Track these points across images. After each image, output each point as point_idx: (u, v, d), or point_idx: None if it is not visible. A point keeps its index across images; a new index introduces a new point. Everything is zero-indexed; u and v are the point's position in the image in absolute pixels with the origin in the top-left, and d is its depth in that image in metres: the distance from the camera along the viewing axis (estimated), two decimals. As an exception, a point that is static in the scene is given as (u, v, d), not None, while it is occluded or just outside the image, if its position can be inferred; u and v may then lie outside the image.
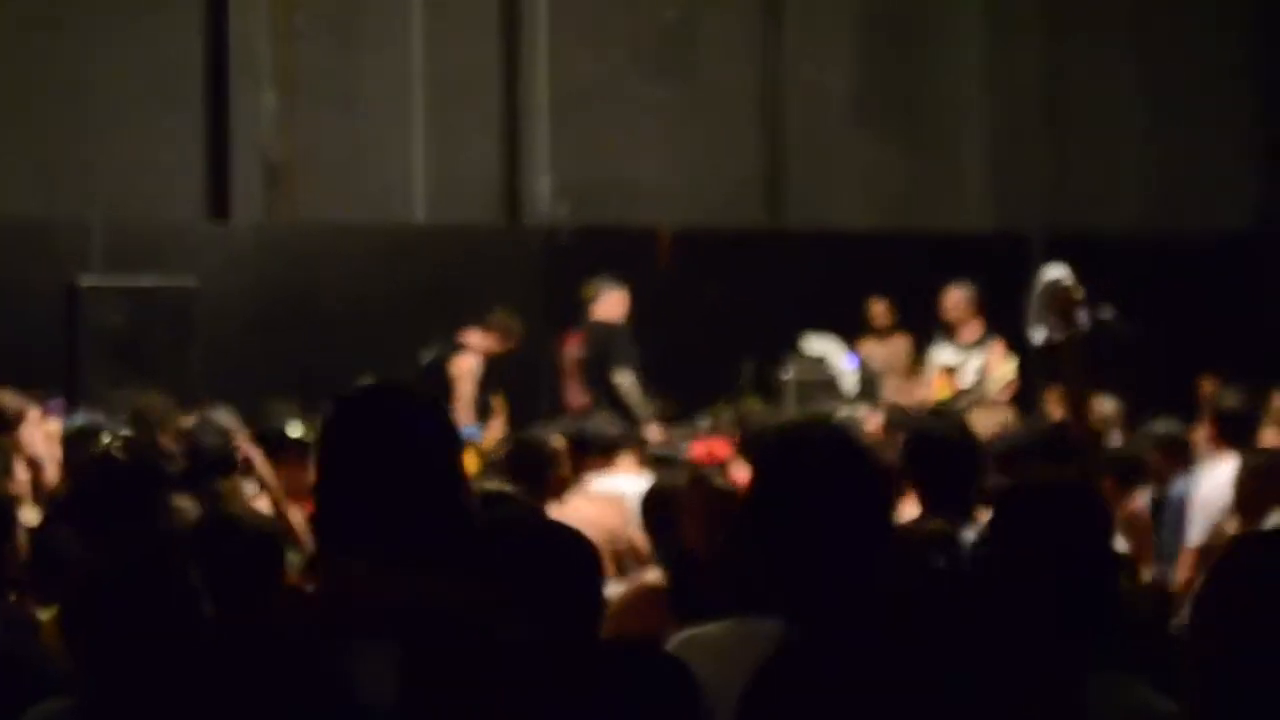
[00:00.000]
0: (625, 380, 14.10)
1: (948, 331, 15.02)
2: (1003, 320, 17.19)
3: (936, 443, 6.26)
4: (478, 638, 3.34)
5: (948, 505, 5.91)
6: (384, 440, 3.50)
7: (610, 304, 14.67)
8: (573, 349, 14.40)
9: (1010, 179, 20.02)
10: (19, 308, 15.28)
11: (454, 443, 3.64)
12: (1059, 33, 20.09)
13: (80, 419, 9.81)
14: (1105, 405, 11.17)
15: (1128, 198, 20.20)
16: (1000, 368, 14.26)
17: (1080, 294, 12.17)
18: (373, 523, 3.44)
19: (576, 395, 14.44)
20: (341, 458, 3.54)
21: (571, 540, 3.93)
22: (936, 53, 19.94)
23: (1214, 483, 8.14)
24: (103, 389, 13.95)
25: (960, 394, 14.41)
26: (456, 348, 14.67)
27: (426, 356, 14.37)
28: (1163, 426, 10.69)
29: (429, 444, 3.53)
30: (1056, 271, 13.63)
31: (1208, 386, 15.98)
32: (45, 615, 5.32)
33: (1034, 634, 3.81)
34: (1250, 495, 7.56)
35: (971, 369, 14.66)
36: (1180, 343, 17.14)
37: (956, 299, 15.05)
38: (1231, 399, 9.73)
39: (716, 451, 9.95)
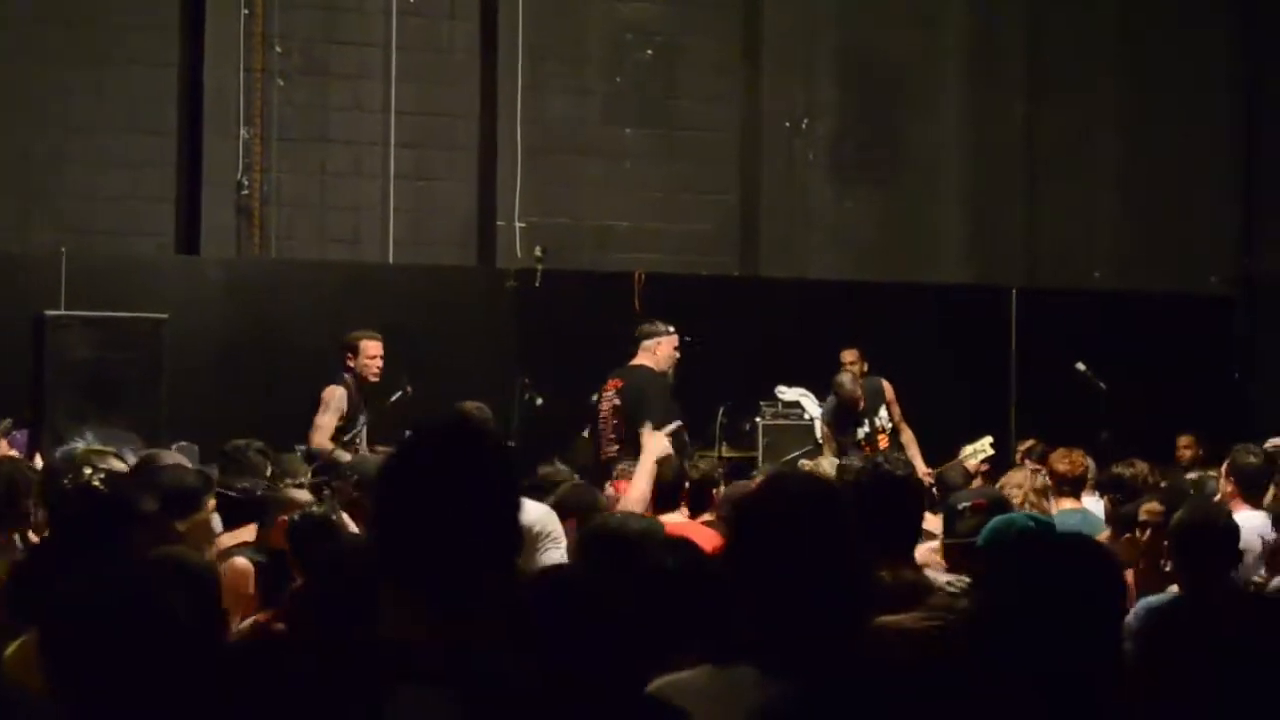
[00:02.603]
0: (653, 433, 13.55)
1: (847, 409, 15.04)
2: (977, 372, 17.32)
3: (878, 488, 6.10)
4: (528, 685, 3.33)
5: (891, 547, 5.84)
6: (447, 482, 3.45)
7: (656, 349, 13.91)
8: (610, 395, 13.94)
9: (987, 232, 20.11)
10: (-13, 339, 15.28)
11: (512, 484, 3.60)
12: (1039, 90, 20.20)
13: (65, 450, 9.80)
14: (1083, 459, 11.19)
15: (1103, 255, 20.30)
16: (977, 445, 14.22)
17: None
18: (434, 565, 3.40)
19: (607, 444, 14.09)
20: (405, 498, 3.48)
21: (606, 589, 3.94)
22: (916, 105, 20.02)
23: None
24: (67, 421, 13.93)
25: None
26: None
27: (393, 396, 14.22)
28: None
29: (489, 486, 3.49)
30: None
31: (1184, 442, 16.11)
32: (10, 649, 5.27)
33: (1033, 689, 3.81)
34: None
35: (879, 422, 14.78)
36: (1152, 397, 17.23)
37: (849, 376, 15.15)
38: (1248, 456, 9.79)
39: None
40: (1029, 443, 14.59)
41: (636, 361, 13.81)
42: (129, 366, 15.00)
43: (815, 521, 4.12)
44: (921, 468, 13.02)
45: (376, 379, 13.59)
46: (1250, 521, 8.57)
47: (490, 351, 16.67)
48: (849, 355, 15.90)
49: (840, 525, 4.19)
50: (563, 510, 9.20)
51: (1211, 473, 11.10)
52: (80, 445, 9.72)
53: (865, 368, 15.70)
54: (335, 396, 13.36)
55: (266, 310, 16.72)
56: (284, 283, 17.07)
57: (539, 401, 15.45)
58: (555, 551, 9.09)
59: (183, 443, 13.28)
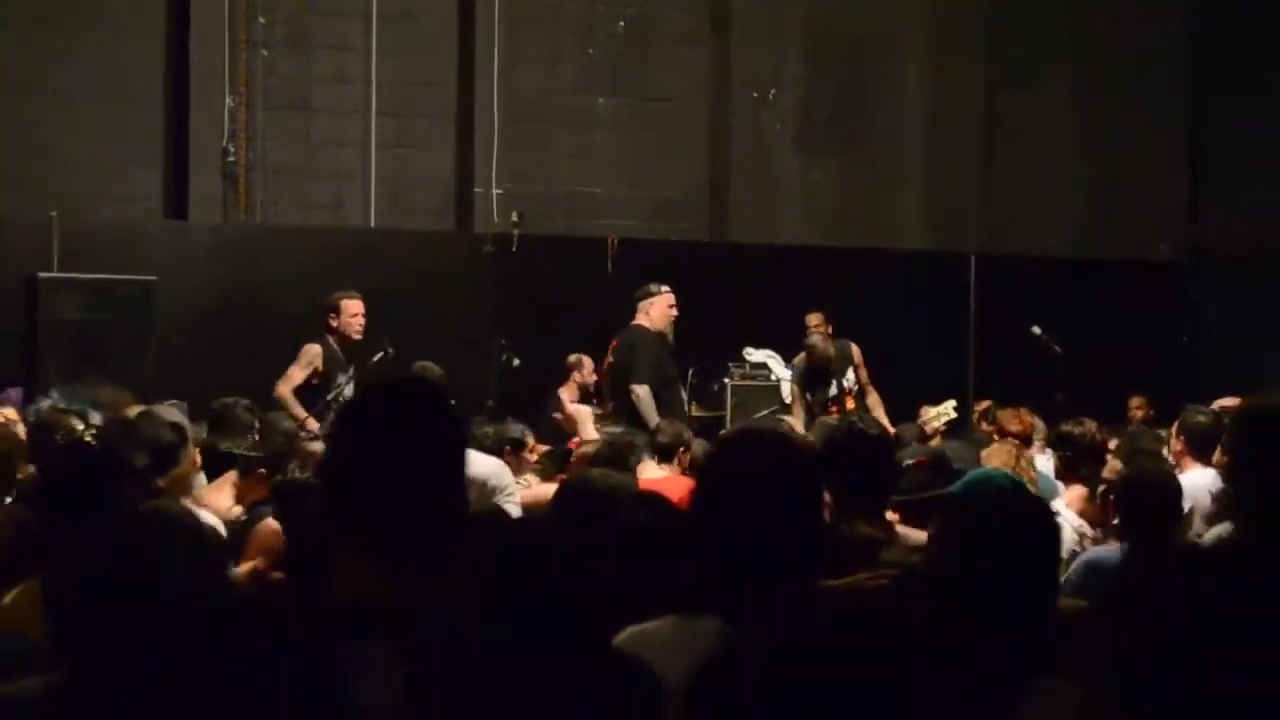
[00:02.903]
0: (641, 391, 13.46)
1: (818, 368, 14.87)
2: (937, 335, 17.37)
3: (853, 446, 6.07)
4: (472, 638, 3.28)
5: (864, 507, 5.84)
6: (394, 441, 3.42)
7: (650, 309, 13.97)
8: (609, 356, 13.92)
9: (947, 200, 20.16)
10: (-21, 300, 15.27)
11: (460, 442, 3.56)
12: (998, 65, 20.25)
13: (48, 402, 9.78)
14: (1030, 417, 11.25)
15: (1058, 223, 20.36)
16: (940, 408, 14.23)
17: None
18: (380, 523, 3.37)
19: (602, 404, 14.09)
20: (351, 455, 3.46)
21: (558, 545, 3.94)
22: (878, 76, 20.05)
23: (1190, 491, 8.17)
24: (60, 380, 13.92)
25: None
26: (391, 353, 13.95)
27: (375, 357, 14.20)
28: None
29: (437, 445, 3.46)
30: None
31: (1135, 403, 16.19)
32: (7, 598, 5.28)
33: (976, 639, 3.84)
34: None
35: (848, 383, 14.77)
36: (1105, 360, 17.31)
37: (818, 332, 15.13)
38: (1198, 416, 9.84)
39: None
40: (985, 404, 14.65)
41: (635, 321, 13.85)
42: (119, 327, 14.99)
43: (778, 475, 4.10)
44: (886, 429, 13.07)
45: (359, 337, 13.55)
46: (1201, 479, 8.61)
47: (469, 314, 16.69)
48: (814, 319, 15.92)
49: (802, 479, 4.17)
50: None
51: (1161, 431, 11.15)
52: (45, 404, 9.70)
53: (830, 330, 15.73)
54: (310, 353, 13.31)
55: (251, 274, 16.70)
56: (268, 247, 17.04)
57: (516, 362, 15.49)
58: (509, 504, 9.14)
59: (171, 400, 13.30)
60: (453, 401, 3.70)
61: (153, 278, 15.31)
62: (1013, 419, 10.75)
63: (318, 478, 5.62)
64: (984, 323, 18.04)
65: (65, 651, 3.76)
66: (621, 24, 19.13)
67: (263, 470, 8.41)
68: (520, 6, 18.58)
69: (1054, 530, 4.11)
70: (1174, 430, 10.03)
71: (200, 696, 3.16)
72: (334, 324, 13.48)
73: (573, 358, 15.25)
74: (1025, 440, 10.52)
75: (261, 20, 17.80)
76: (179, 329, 15.66)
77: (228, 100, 17.55)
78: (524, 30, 18.64)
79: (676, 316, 13.98)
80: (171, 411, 9.20)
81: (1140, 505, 6.88)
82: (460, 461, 3.53)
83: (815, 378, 14.76)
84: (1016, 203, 20.28)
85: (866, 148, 19.99)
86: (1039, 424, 11.48)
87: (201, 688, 3.13)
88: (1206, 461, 9.27)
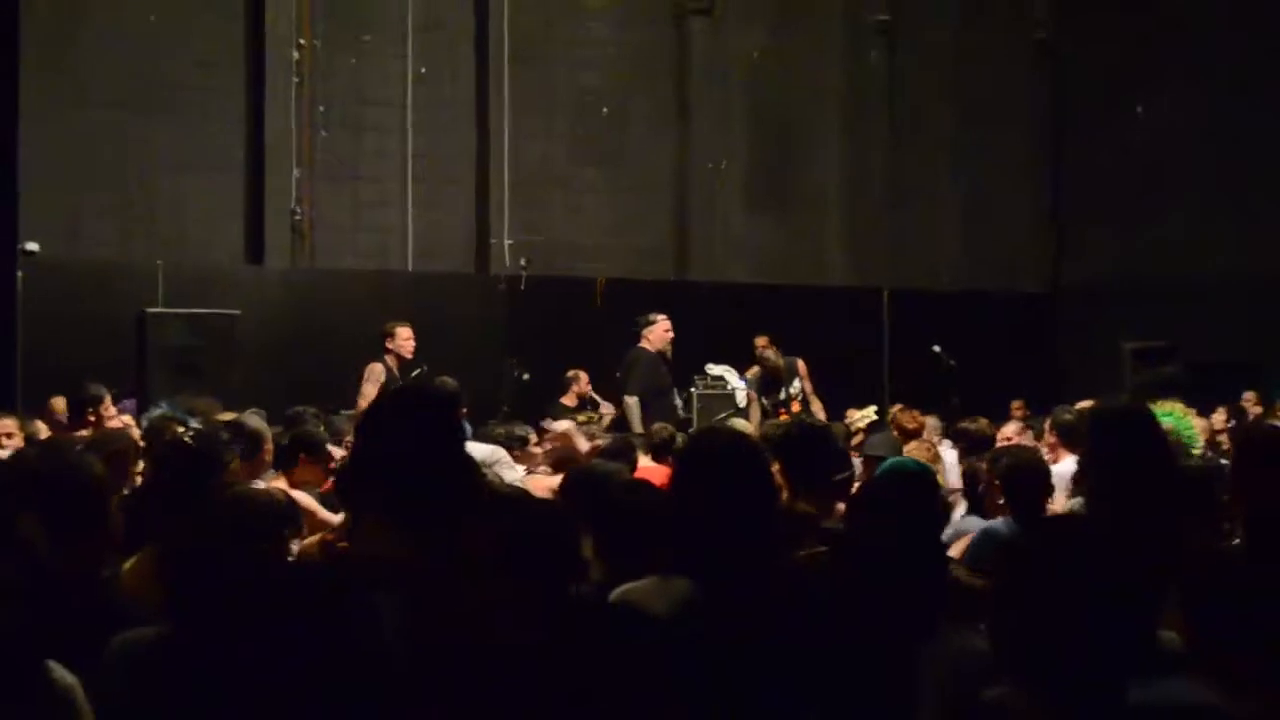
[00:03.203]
0: (629, 401, 13.51)
1: (770, 379, 14.66)
2: (857, 354, 17.34)
3: (803, 438, 6.00)
4: (467, 592, 3.22)
5: (811, 486, 5.82)
6: (410, 428, 3.42)
7: (649, 334, 13.92)
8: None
9: (861, 246, 20.18)
10: (100, 331, 15.18)
11: (461, 433, 3.53)
12: (898, 138, 20.30)
13: (157, 411, 9.76)
14: (929, 420, 11.23)
15: (948, 263, 20.40)
16: (863, 411, 14.19)
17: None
18: (396, 492, 3.36)
19: (592, 411, 14.12)
20: (375, 440, 3.46)
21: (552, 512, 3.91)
22: (806, 151, 20.09)
23: (1060, 474, 8.15)
24: (164, 394, 13.85)
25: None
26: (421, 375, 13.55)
27: (412, 374, 14.13)
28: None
29: (441, 432, 3.45)
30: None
31: (1015, 406, 16.17)
32: (126, 565, 5.26)
33: (879, 591, 3.84)
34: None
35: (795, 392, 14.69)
36: (989, 371, 17.32)
37: (766, 351, 15.00)
38: (1065, 414, 9.83)
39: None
40: (898, 407, 14.62)
41: (639, 344, 13.87)
42: (210, 352, 14.92)
43: (736, 465, 4.07)
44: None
45: (410, 357, 13.53)
46: (1069, 465, 8.60)
47: (487, 340, 16.66)
48: (761, 340, 15.81)
49: (755, 468, 4.13)
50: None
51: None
52: (155, 413, 9.67)
53: (779, 348, 15.73)
54: (375, 371, 13.26)
55: (314, 308, 16.67)
56: (327, 287, 17.01)
57: (525, 377, 15.44)
58: (509, 471, 9.18)
59: (253, 409, 13.25)
60: (460, 404, 3.69)
61: (237, 311, 15.24)
62: (908, 419, 10.73)
63: (348, 459, 5.56)
64: (894, 343, 18.06)
65: (175, 606, 3.75)
66: (605, 110, 19.14)
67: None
68: (525, 95, 18.56)
69: (937, 502, 4.13)
70: (1047, 425, 10.03)
71: (270, 641, 3.16)
72: (390, 346, 13.43)
73: (571, 373, 15.20)
74: (915, 434, 10.46)
75: (321, 108, 17.79)
76: (258, 352, 15.60)
77: (295, 170, 17.54)
78: (528, 114, 18.63)
79: (672, 337, 14.00)
80: (253, 418, 9.17)
81: (1019, 485, 6.87)
82: (456, 446, 3.51)
83: (768, 385, 14.72)
84: (915, 246, 20.30)
85: (796, 206, 20.01)
86: (930, 421, 11.45)
87: (272, 635, 3.13)
88: (1074, 451, 9.27)
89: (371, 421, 3.57)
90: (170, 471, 5.46)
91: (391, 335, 13.46)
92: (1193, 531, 4.92)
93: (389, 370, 13.29)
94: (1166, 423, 11.01)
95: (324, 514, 7.14)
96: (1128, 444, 5.15)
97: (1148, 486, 4.96)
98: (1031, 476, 6.91)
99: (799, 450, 5.84)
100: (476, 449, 8.63)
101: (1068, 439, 9.42)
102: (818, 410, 14.35)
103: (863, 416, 13.71)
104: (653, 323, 13.90)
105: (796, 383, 14.69)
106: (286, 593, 2.84)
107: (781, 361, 14.73)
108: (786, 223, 19.85)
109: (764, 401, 14.55)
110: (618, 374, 13.89)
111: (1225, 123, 18.40)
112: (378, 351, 13.45)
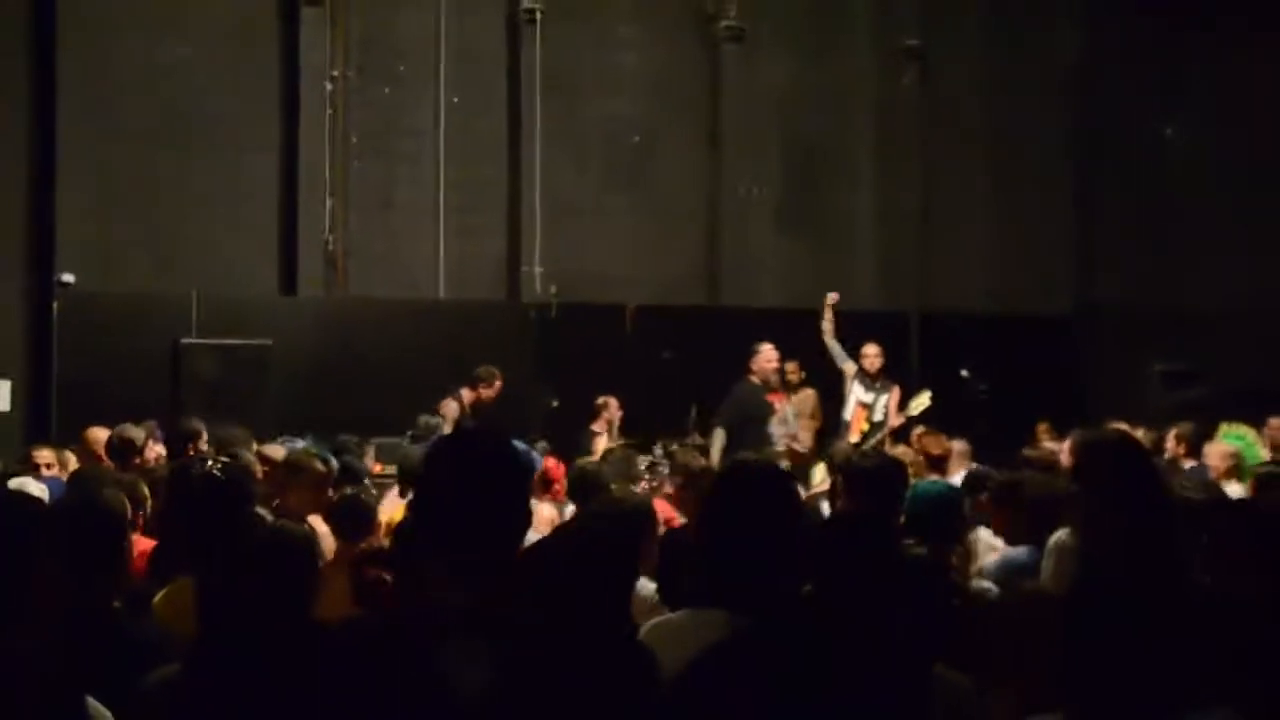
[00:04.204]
0: (715, 432, 13.52)
1: (866, 375, 14.60)
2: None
3: (869, 475, 6.19)
4: (539, 633, 3.24)
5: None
6: (469, 473, 3.36)
7: (753, 363, 13.89)
8: None
9: (891, 270, 20.09)
10: (135, 361, 15.24)
11: (522, 475, 3.49)
12: (929, 163, 20.22)
13: (301, 443, 9.78)
14: (957, 443, 11.13)
15: (979, 288, 20.28)
16: (918, 399, 14.04)
17: None
18: (460, 536, 3.30)
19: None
20: (437, 487, 3.39)
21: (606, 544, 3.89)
22: (837, 177, 20.02)
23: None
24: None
25: (873, 426, 14.26)
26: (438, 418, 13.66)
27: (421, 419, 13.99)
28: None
29: (502, 476, 3.39)
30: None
31: (1042, 428, 16.04)
32: (158, 597, 5.23)
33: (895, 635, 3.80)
34: None
35: (880, 406, 14.49)
36: (1016, 394, 17.20)
37: (874, 350, 14.74)
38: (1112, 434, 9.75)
39: (553, 472, 9.85)
40: (920, 430, 14.50)
41: (747, 375, 13.77)
42: (243, 380, 14.98)
43: (768, 496, 4.07)
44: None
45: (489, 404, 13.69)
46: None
47: (517, 366, 16.62)
48: (790, 367, 15.82)
49: (786, 500, 4.13)
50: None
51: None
52: (299, 445, 9.71)
53: (802, 376, 15.65)
54: (450, 409, 13.47)
55: (348, 337, 16.68)
56: (361, 316, 17.04)
57: (554, 403, 15.42)
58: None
59: (282, 438, 13.24)
60: (515, 445, 3.62)
61: (269, 341, 15.29)
62: (934, 444, 10.62)
63: (411, 509, 5.52)
64: (924, 365, 17.96)
65: (208, 637, 3.72)
66: (637, 138, 19.11)
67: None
68: (557, 124, 18.56)
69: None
70: (1067, 447, 9.91)
71: (316, 680, 3.09)
72: (484, 390, 13.60)
73: (601, 399, 15.17)
74: (940, 460, 10.31)
75: (354, 139, 17.82)
76: (290, 381, 15.63)
77: (328, 201, 17.57)
78: (559, 142, 18.62)
79: (776, 367, 13.86)
80: (278, 449, 9.16)
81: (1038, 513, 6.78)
82: (521, 494, 3.45)
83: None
84: (945, 271, 20.20)
85: (828, 230, 19.94)
86: (958, 446, 11.36)
87: (317, 673, 3.06)
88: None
89: (434, 471, 3.48)
90: (199, 505, 5.44)
91: (488, 383, 13.47)
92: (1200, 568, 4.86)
93: (461, 408, 13.34)
94: (1234, 445, 10.91)
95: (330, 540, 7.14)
96: (1118, 474, 5.14)
97: (1139, 516, 4.94)
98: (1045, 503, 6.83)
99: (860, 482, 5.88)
100: None
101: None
102: (807, 441, 14.23)
103: (917, 405, 13.55)
104: (756, 353, 13.85)
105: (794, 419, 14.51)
106: (341, 640, 2.79)
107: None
108: (816, 248, 19.77)
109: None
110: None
111: (1255, 146, 18.27)
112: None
